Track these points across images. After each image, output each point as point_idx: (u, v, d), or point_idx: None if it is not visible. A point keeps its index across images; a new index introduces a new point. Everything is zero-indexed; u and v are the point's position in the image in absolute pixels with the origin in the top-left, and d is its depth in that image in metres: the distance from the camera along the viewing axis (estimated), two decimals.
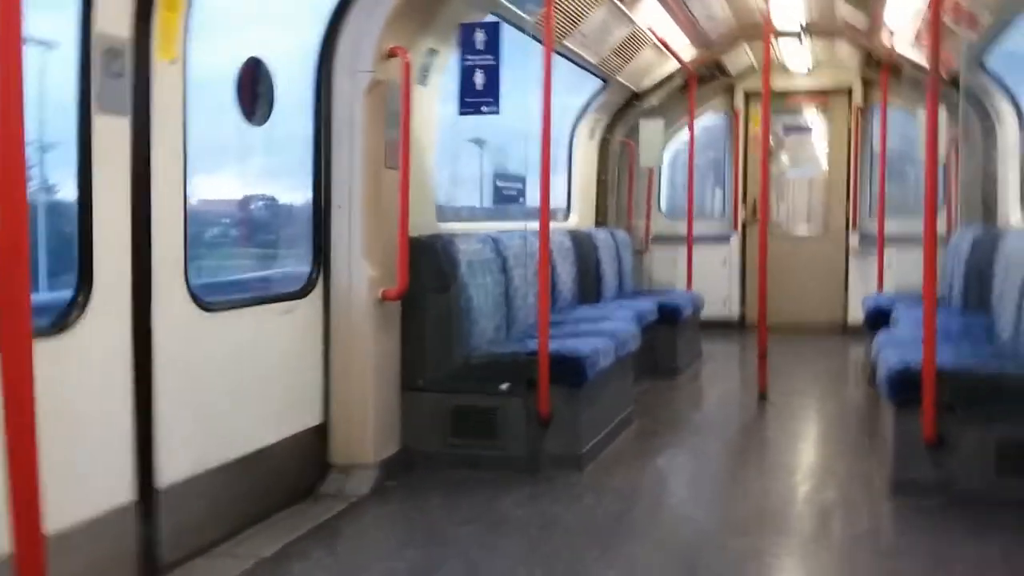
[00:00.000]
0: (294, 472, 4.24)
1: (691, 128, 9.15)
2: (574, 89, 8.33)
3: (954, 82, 7.14)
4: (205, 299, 3.64)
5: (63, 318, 3.00)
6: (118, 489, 3.19)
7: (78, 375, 3.02)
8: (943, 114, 7.17)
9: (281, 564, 3.50)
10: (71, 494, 2.92)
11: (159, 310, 3.35)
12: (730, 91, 10.45)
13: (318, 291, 4.45)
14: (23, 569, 2.08)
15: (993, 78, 7.17)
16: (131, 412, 3.25)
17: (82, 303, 3.04)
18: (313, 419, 4.40)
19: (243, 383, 3.88)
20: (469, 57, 4.60)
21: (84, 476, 3.03)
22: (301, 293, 4.36)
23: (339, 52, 4.39)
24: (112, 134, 3.13)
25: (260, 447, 3.96)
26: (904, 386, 4.14)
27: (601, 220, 9.05)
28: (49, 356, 2.80)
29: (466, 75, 4.63)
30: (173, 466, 3.42)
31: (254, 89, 3.99)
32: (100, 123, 3.07)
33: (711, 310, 9.35)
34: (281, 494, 4.12)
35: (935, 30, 4.33)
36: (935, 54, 4.29)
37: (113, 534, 3.15)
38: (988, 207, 7.72)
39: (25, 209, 2.10)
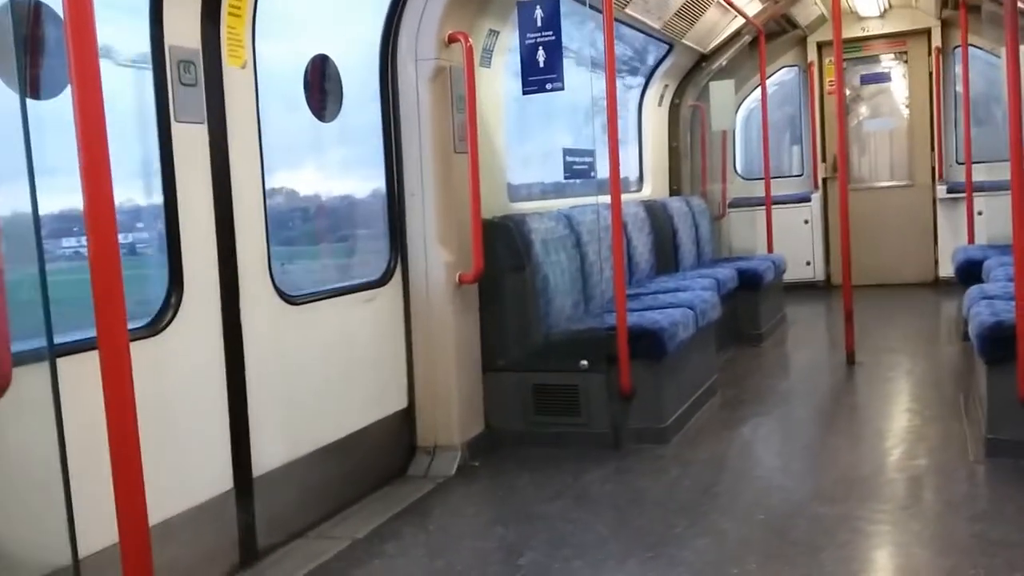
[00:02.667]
0: (383, 456, 4.37)
1: (763, 86, 8.94)
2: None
3: None
4: (289, 293, 3.77)
5: (158, 320, 3.15)
6: (216, 479, 3.35)
7: (175, 373, 3.18)
8: None
9: (374, 544, 3.62)
10: (173, 485, 3.08)
11: (247, 306, 3.49)
12: (802, 44, 10.17)
13: (397, 279, 4.55)
14: (129, 557, 2.22)
15: None
16: (225, 405, 3.40)
17: (175, 304, 3.20)
18: (399, 403, 4.52)
19: (330, 372, 4.00)
20: (529, 35, 4.60)
21: (184, 468, 3.19)
22: (381, 281, 4.47)
23: (401, 42, 4.45)
24: (191, 141, 3.26)
25: (349, 433, 4.10)
26: (996, 343, 4.02)
27: (676, 188, 8.94)
28: (147, 356, 2.96)
29: (528, 53, 4.63)
30: (267, 454, 3.58)
31: (322, 86, 4.08)
32: (179, 131, 3.20)
33: (794, 272, 9.18)
34: (371, 477, 4.25)
35: None
36: None
37: (213, 522, 3.32)
38: None
39: (112, 213, 2.19)
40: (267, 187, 3.67)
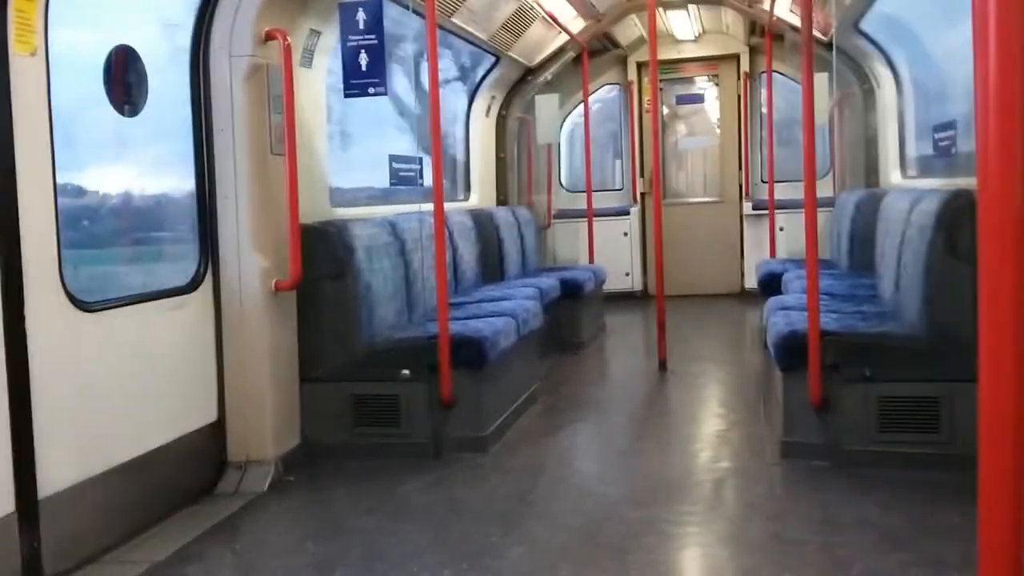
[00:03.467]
0: (189, 472, 4.14)
1: (586, 102, 9.21)
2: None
3: (833, 46, 7.35)
4: (84, 299, 3.49)
5: None
6: None
7: None
8: (825, 79, 7.40)
9: (175, 567, 3.41)
10: None
11: (32, 313, 3.21)
12: (623, 63, 10.57)
13: (207, 285, 4.33)
14: None
15: (870, 40, 7.40)
16: (6, 421, 3.10)
17: None
18: (207, 417, 4.29)
19: (130, 384, 3.75)
20: (352, 37, 4.50)
21: None
22: (189, 288, 4.23)
23: (214, 36, 4.25)
24: None
25: (151, 449, 3.85)
26: (791, 351, 4.28)
27: (503, 198, 9.05)
28: None
29: (350, 56, 4.53)
30: (55, 474, 3.29)
31: (125, 79, 3.83)
32: None
33: (614, 283, 9.51)
34: (176, 496, 4.01)
35: None
36: (807, 16, 4.39)
37: None
38: (870, 169, 8.02)
39: None
40: (60, 184, 3.40)
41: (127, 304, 3.81)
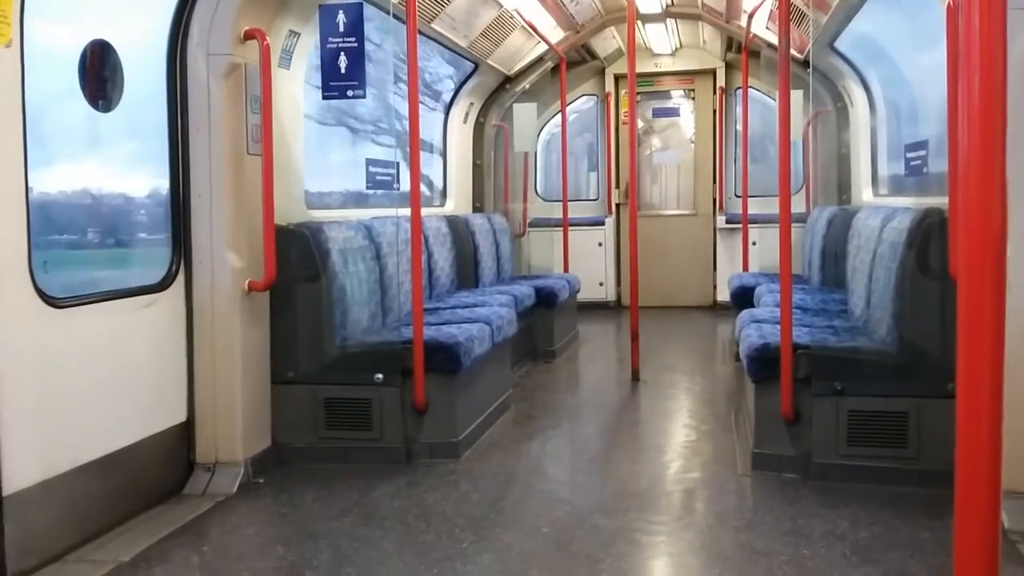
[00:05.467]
0: (156, 473, 4.08)
1: (563, 111, 9.24)
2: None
3: (809, 65, 7.44)
4: (52, 295, 3.44)
5: None
6: None
7: None
8: (800, 96, 7.49)
9: (140, 568, 3.36)
10: None
11: (0, 306, 3.15)
12: (601, 75, 10.62)
13: (179, 283, 4.28)
14: None
15: (844, 60, 7.50)
16: None
17: None
18: (176, 417, 4.24)
19: (98, 382, 3.69)
20: (331, 40, 4.48)
21: None
22: (160, 286, 4.18)
23: (192, 33, 4.21)
24: None
25: (118, 448, 3.79)
26: (763, 363, 4.31)
27: (478, 205, 9.05)
28: None
29: (329, 58, 4.51)
30: (19, 472, 3.24)
31: (100, 74, 3.78)
32: None
33: (588, 292, 9.53)
34: (143, 496, 3.95)
35: (784, 10, 4.49)
36: (785, 33, 4.44)
37: None
38: (843, 186, 8.13)
39: None
40: (31, 178, 3.35)
41: (97, 301, 3.76)
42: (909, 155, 5.36)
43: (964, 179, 1.59)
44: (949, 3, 3.81)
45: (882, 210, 5.22)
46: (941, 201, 4.02)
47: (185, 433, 4.29)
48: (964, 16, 1.58)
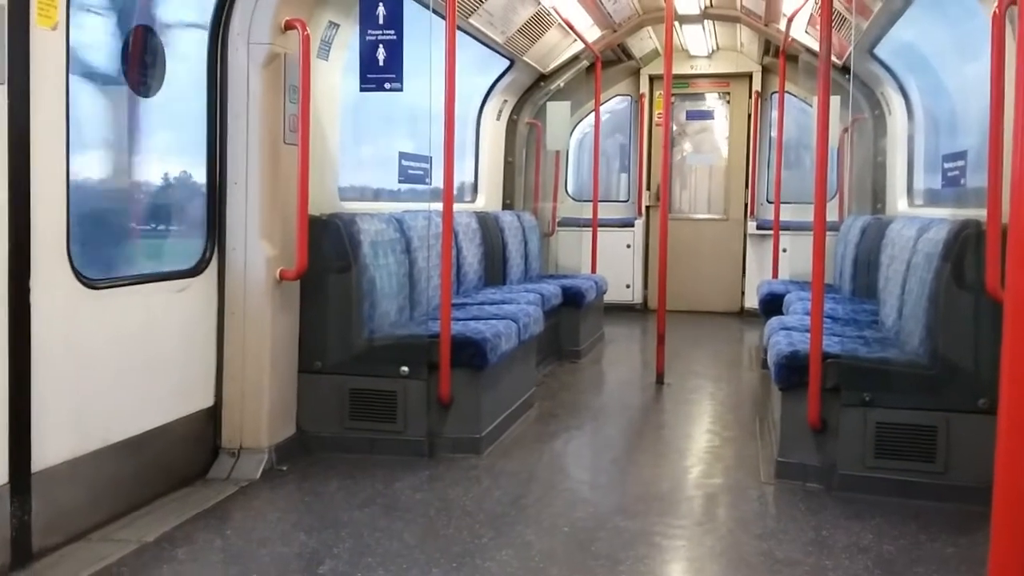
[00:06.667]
0: (182, 456, 4.13)
1: (597, 111, 9.22)
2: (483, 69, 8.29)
3: (848, 71, 7.36)
4: (90, 276, 3.49)
5: None
6: None
7: None
8: (837, 103, 7.42)
9: (164, 548, 3.40)
10: None
11: (38, 287, 3.20)
12: (636, 75, 10.58)
13: (212, 269, 4.33)
14: None
15: (884, 67, 7.41)
16: (4, 392, 3.09)
17: None
18: (204, 401, 4.28)
19: (130, 363, 3.74)
20: (371, 32, 4.51)
21: None
22: (194, 271, 4.23)
23: (234, 22, 4.25)
24: None
25: (146, 429, 3.84)
26: (791, 371, 4.28)
27: (508, 203, 9.06)
28: None
29: (367, 50, 4.54)
30: (50, 448, 3.29)
31: (143, 59, 3.83)
32: None
33: (615, 294, 9.51)
34: (169, 478, 4.00)
35: (826, 15, 4.44)
36: (827, 39, 4.40)
37: None
38: (877, 195, 8.03)
39: None
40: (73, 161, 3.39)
41: (132, 284, 3.81)
42: (947, 166, 5.29)
43: (1016, 192, 1.56)
44: (995, 11, 3.75)
45: (917, 220, 5.16)
46: (978, 213, 3.96)
47: (212, 418, 4.33)
48: (1020, 23, 1.56)
